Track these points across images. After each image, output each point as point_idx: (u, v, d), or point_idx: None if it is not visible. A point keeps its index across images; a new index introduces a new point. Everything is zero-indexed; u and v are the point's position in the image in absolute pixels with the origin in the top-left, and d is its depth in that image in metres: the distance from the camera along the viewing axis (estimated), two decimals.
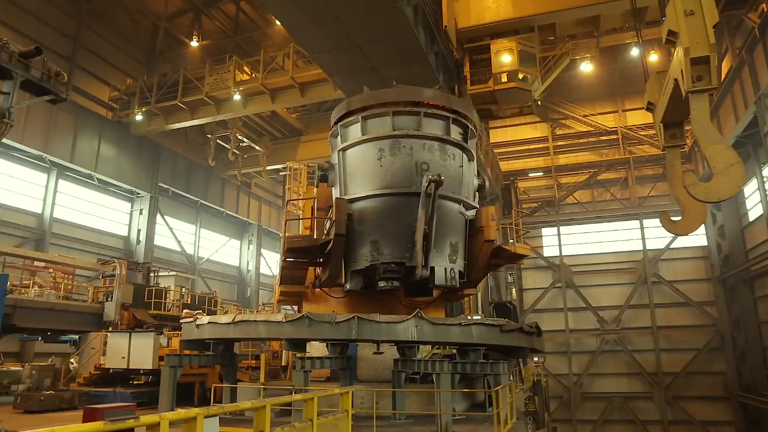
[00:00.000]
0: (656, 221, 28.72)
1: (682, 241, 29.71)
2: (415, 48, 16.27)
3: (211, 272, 33.90)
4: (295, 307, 13.75)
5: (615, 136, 34.44)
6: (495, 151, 32.21)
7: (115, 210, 28.27)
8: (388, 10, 14.46)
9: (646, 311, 31.01)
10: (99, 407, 6.49)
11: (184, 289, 20.80)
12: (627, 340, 31.20)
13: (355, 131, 10.85)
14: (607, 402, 30.92)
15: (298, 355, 9.45)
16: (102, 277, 19.97)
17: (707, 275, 30.52)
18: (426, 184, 9.19)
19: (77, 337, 17.82)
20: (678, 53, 9.79)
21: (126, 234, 28.43)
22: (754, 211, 25.40)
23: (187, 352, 11.11)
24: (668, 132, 12.29)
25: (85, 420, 5.97)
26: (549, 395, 26.05)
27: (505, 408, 8.27)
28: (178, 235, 31.85)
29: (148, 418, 3.47)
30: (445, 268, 10.16)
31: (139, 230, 28.25)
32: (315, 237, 11.04)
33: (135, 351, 13.57)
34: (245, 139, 31.57)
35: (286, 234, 11.98)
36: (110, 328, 16.55)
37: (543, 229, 34.26)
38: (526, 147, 36.52)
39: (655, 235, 31.29)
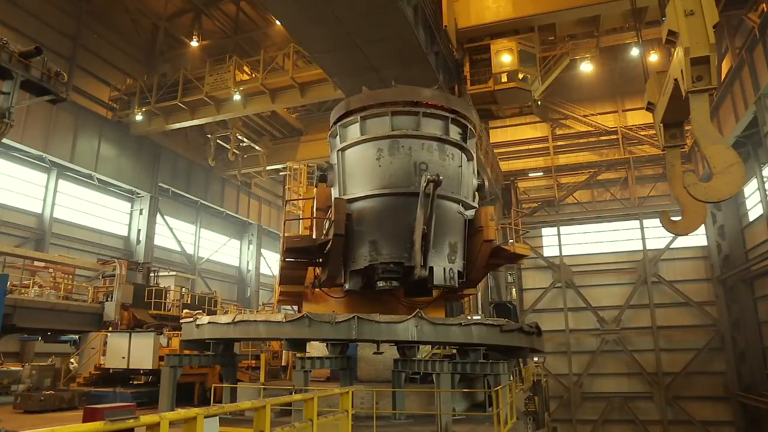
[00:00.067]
0: (656, 221, 28.70)
1: (682, 241, 29.70)
2: (415, 48, 16.27)
3: (211, 272, 33.90)
4: (295, 307, 13.75)
5: (615, 136, 34.43)
6: (495, 151, 32.20)
7: (115, 210, 28.27)
8: (388, 10, 14.46)
9: (646, 311, 31.00)
10: (99, 407, 6.49)
11: (184, 289, 20.80)
12: (627, 340, 31.19)
13: (353, 131, 10.85)
14: (607, 402, 30.91)
15: (298, 355, 9.45)
16: (102, 277, 19.97)
17: (707, 275, 30.51)
18: (425, 184, 9.19)
19: (77, 337, 17.82)
20: (678, 53, 9.79)
21: (126, 234, 28.43)
22: (754, 211, 25.40)
23: (187, 352, 11.11)
24: (668, 132, 12.29)
25: (85, 420, 5.98)
26: (549, 395, 26.04)
27: (505, 408, 8.27)
28: (178, 235, 31.85)
29: (148, 418, 3.48)
30: (444, 268, 10.15)
31: (139, 230, 28.25)
32: (314, 237, 11.04)
33: (135, 351, 13.58)
34: (245, 139, 31.56)
35: (286, 234, 11.98)
36: (110, 328, 16.54)
37: (543, 229, 34.23)
38: (526, 147, 36.52)
39: (655, 235, 31.27)
